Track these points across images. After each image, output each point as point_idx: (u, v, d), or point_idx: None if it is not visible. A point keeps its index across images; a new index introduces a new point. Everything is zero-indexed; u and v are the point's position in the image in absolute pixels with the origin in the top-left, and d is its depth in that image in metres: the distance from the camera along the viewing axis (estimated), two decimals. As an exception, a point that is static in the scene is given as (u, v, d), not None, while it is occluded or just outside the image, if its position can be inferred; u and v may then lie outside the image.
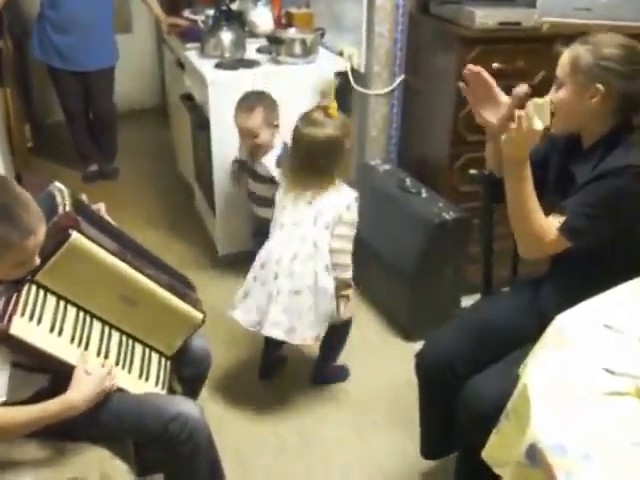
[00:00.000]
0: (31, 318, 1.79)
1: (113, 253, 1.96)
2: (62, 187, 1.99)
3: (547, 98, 1.98)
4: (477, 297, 3.28)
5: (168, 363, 2.18)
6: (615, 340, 1.66)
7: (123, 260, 1.98)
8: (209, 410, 2.27)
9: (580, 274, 2.10)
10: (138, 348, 2.11)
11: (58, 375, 1.87)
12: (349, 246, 2.63)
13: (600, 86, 1.94)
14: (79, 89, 4.73)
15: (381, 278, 3.37)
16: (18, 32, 5.21)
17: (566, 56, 2.00)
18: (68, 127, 4.97)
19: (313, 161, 2.56)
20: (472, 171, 2.43)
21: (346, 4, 3.72)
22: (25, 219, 1.67)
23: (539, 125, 1.85)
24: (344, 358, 3.07)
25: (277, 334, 2.65)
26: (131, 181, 5.03)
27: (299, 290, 2.60)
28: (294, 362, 3.13)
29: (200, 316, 2.18)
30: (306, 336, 2.65)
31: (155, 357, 2.15)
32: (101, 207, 2.24)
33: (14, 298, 1.78)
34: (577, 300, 1.79)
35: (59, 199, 1.93)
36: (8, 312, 1.74)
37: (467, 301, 3.23)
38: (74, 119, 4.87)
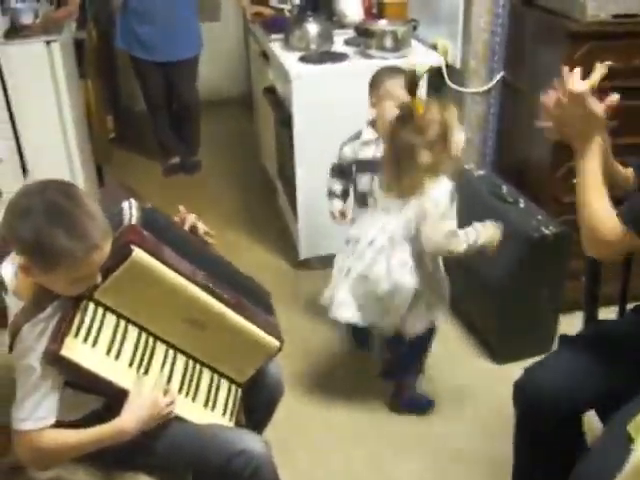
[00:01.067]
0: (85, 339, 1.66)
1: (181, 272, 1.77)
2: (133, 201, 1.81)
3: None
4: (577, 316, 3.04)
5: (239, 391, 1.99)
6: None
7: (192, 280, 1.79)
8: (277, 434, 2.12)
9: None
10: (206, 374, 1.93)
11: (113, 399, 1.73)
12: (445, 231, 2.37)
13: None
14: (161, 79, 4.64)
15: (471, 292, 3.12)
16: (104, 21, 5.14)
17: None
18: (150, 118, 4.89)
19: (399, 163, 2.36)
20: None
21: (442, -7, 3.46)
22: (90, 232, 1.53)
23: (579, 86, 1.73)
24: (427, 378, 2.87)
25: (345, 316, 2.51)
26: (213, 175, 4.90)
27: (367, 275, 2.44)
28: (371, 382, 2.91)
29: (277, 344, 1.97)
30: (374, 321, 2.51)
31: (224, 384, 1.97)
32: (190, 218, 2.06)
33: (69, 317, 1.64)
34: None
35: (127, 213, 1.77)
36: (61, 332, 1.61)
37: (565, 320, 2.99)
38: (156, 110, 4.79)
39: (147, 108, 4.85)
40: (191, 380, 1.88)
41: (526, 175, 3.19)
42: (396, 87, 2.63)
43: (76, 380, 1.69)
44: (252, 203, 4.47)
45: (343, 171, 2.94)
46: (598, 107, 1.78)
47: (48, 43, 3.49)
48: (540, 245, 2.77)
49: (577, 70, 1.80)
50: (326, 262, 3.58)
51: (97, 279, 1.63)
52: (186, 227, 2.04)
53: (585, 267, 2.21)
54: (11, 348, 1.62)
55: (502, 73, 3.28)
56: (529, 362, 2.91)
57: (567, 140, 1.78)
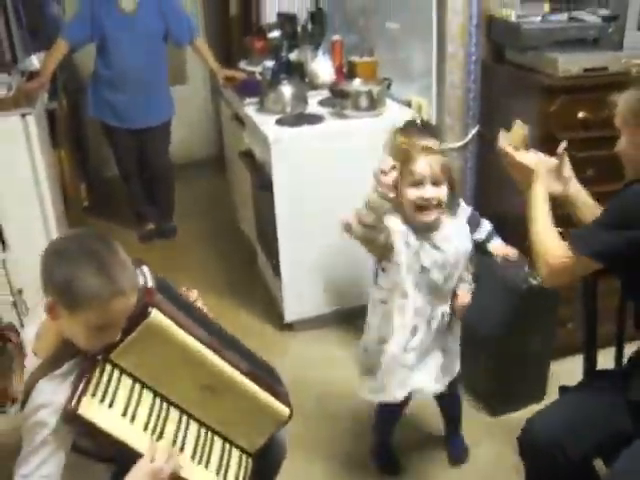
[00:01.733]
0: (102, 400, 1.66)
1: (196, 336, 1.78)
2: (146, 268, 1.83)
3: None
4: (567, 361, 3.07)
5: (249, 462, 1.97)
6: None
7: (207, 345, 1.80)
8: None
9: None
10: (217, 442, 1.91)
11: (125, 460, 1.69)
12: None
13: None
14: (134, 146, 4.63)
15: (463, 346, 3.13)
16: (73, 90, 5.17)
17: (620, 103, 1.97)
18: (124, 185, 4.87)
19: None
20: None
21: (413, 52, 3.53)
22: (120, 277, 1.59)
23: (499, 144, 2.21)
24: (427, 436, 2.84)
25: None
26: (190, 239, 4.88)
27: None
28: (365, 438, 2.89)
29: (287, 411, 1.97)
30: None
31: (235, 453, 1.95)
32: (193, 294, 2.07)
33: (86, 376, 1.64)
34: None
35: (141, 279, 1.77)
36: (78, 391, 1.61)
37: (556, 367, 3.06)
38: (130, 177, 4.77)
39: (120, 175, 4.82)
40: (203, 448, 1.86)
41: (508, 227, 3.22)
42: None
43: (91, 442, 1.68)
44: (232, 267, 4.45)
45: None
46: (528, 160, 2.16)
47: (23, 116, 3.48)
48: (528, 296, 2.79)
49: (501, 131, 2.24)
50: (312, 324, 3.61)
51: (117, 335, 1.65)
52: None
53: (580, 313, 2.26)
54: (23, 404, 1.62)
55: (477, 128, 3.34)
56: (525, 411, 2.94)
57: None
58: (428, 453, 2.84)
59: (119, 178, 4.91)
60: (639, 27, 2.86)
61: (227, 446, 1.93)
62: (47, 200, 3.63)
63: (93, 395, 1.63)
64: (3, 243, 3.50)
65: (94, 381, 1.65)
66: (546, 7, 2.97)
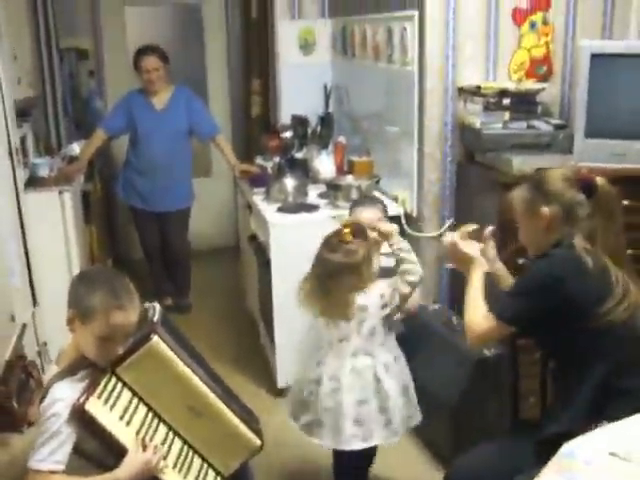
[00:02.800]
0: (106, 403, 2.05)
1: (188, 365, 2.21)
2: (156, 305, 2.32)
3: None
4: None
5: None
6: (622, 468, 1.73)
7: (197, 374, 2.23)
8: None
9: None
10: (196, 461, 2.28)
11: (114, 457, 2.06)
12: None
13: (545, 208, 2.23)
14: (157, 228, 5.13)
15: (425, 411, 3.43)
16: (107, 175, 5.76)
17: (514, 198, 2.38)
18: (146, 263, 5.35)
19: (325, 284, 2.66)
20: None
21: (401, 152, 3.98)
22: (122, 297, 2.03)
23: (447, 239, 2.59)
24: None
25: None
26: (203, 315, 5.29)
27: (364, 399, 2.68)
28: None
29: (259, 442, 2.37)
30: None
31: (211, 474, 2.31)
32: None
33: (96, 382, 2.06)
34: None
35: (151, 313, 2.24)
36: (88, 391, 2.01)
37: None
38: (151, 255, 5.26)
39: (143, 253, 5.32)
40: (183, 463, 2.23)
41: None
42: (362, 213, 3.09)
43: (90, 439, 2.03)
44: (237, 340, 4.85)
45: None
46: (471, 250, 2.50)
47: (61, 193, 4.07)
48: (482, 366, 3.13)
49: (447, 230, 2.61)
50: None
51: (118, 350, 2.06)
52: None
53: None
54: (42, 399, 2.02)
55: (452, 220, 3.74)
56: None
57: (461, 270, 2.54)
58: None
59: (143, 259, 5.41)
60: (586, 135, 3.27)
61: (205, 466, 2.30)
62: (75, 268, 4.12)
63: (99, 397, 2.03)
64: (35, 301, 3.95)
65: (101, 387, 2.06)
66: (506, 116, 3.43)
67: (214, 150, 5.84)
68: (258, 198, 4.21)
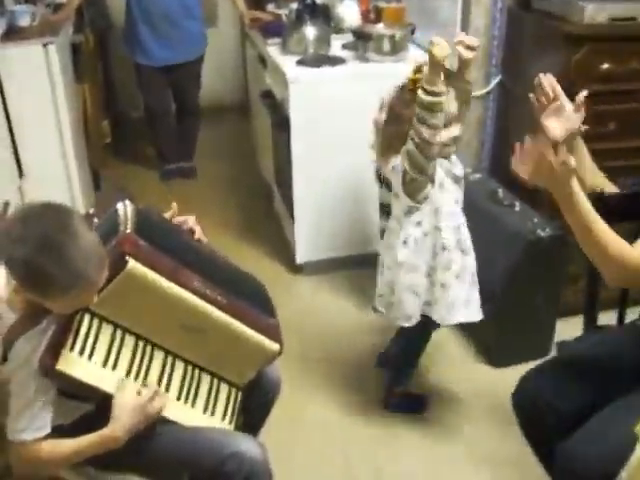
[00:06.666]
0: (81, 352, 1.67)
1: (177, 281, 1.76)
2: (128, 204, 1.79)
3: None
4: (575, 320, 3.03)
5: (239, 394, 1.98)
6: None
7: (189, 289, 1.78)
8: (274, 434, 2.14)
9: None
10: (205, 379, 1.93)
11: (109, 407, 1.72)
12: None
13: None
14: (165, 86, 4.62)
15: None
16: (101, 26, 5.14)
17: None
18: (149, 125, 4.85)
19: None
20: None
21: (440, -2, 3.46)
22: (82, 267, 1.52)
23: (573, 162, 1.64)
24: (423, 379, 2.86)
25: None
26: (209, 180, 4.88)
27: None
28: (367, 383, 2.90)
29: (276, 347, 1.95)
30: None
31: (224, 388, 1.96)
32: (189, 220, 2.03)
33: (64, 330, 1.64)
34: None
35: (122, 217, 1.75)
36: (56, 345, 1.62)
37: (563, 325, 2.98)
38: (157, 117, 4.75)
39: (146, 114, 4.80)
40: (190, 386, 1.88)
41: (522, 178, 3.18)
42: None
43: (73, 391, 1.71)
44: (248, 208, 4.45)
45: None
46: (569, 157, 1.68)
47: (45, 45, 3.48)
48: (536, 248, 2.76)
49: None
50: (324, 266, 3.60)
51: (92, 300, 1.63)
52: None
53: (584, 271, 2.20)
54: (4, 358, 1.62)
55: (499, 77, 3.29)
56: (526, 366, 2.91)
57: (545, 188, 1.74)
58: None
59: (143, 118, 4.91)
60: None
61: (215, 381, 1.94)
62: (66, 132, 3.67)
63: (71, 349, 1.64)
64: (21, 172, 3.53)
65: (72, 334, 1.65)
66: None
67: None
68: (273, 50, 3.73)
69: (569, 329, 3.00)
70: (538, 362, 2.94)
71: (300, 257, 3.64)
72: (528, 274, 2.82)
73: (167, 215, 2.01)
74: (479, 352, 3.08)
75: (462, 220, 2.45)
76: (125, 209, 1.77)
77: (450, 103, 2.25)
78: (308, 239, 3.58)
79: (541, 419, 1.95)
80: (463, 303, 2.47)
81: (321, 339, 3.16)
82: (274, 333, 1.97)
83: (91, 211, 1.87)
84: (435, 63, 2.10)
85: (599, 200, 1.86)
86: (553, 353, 3.00)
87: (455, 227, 2.41)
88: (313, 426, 2.72)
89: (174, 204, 2.03)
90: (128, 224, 1.72)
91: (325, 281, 3.57)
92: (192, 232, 2.02)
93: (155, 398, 1.74)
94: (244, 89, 6.06)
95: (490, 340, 3.02)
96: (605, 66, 2.77)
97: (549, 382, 1.96)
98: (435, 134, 2.16)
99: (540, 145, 1.70)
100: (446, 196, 2.38)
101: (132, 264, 1.66)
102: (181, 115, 4.84)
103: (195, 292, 1.79)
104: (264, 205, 4.39)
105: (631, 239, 1.74)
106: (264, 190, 4.50)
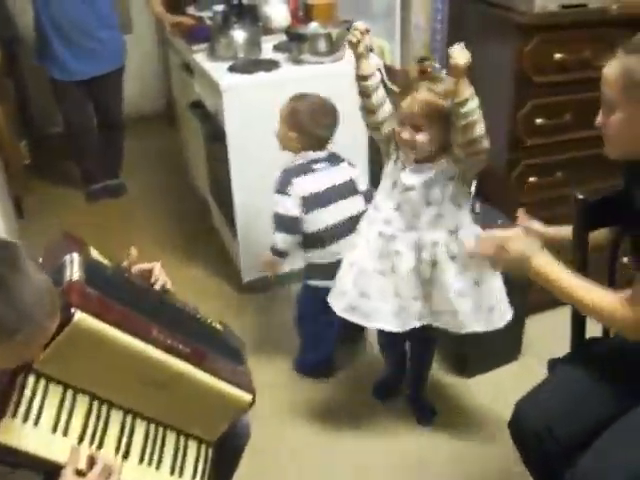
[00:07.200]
0: (25, 419, 1.43)
1: (133, 332, 1.54)
2: (75, 256, 1.57)
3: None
4: (542, 316, 2.92)
5: (209, 451, 1.77)
6: None
7: (147, 339, 1.56)
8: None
9: None
10: (170, 438, 1.70)
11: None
12: None
13: None
14: (84, 100, 4.31)
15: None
16: (7, 38, 4.75)
17: (614, 71, 1.58)
18: (71, 142, 4.50)
19: None
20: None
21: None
22: (31, 307, 1.28)
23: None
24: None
25: None
26: (140, 197, 4.60)
27: None
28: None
29: (248, 397, 1.75)
30: None
31: (192, 446, 1.74)
32: (155, 268, 1.84)
33: (4, 395, 1.41)
34: None
35: (68, 272, 1.53)
36: None
37: (533, 321, 2.95)
38: (79, 133, 4.42)
39: (68, 132, 4.46)
40: (153, 447, 1.66)
41: (481, 179, 3.04)
42: None
43: (17, 463, 1.45)
44: (185, 225, 4.19)
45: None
46: (518, 242, 1.82)
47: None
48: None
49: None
50: (274, 282, 3.38)
51: (37, 355, 1.40)
52: (153, 280, 1.82)
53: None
54: None
55: (445, 72, 3.11)
56: (498, 372, 2.79)
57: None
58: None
59: (65, 135, 4.56)
60: (620, -40, 2.64)
61: (182, 439, 1.73)
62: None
63: (14, 416, 1.41)
64: None
65: (14, 399, 1.42)
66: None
67: (134, 1, 5.03)
68: (200, 57, 3.50)
69: (538, 327, 2.93)
70: (509, 367, 2.84)
71: (247, 275, 3.42)
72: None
73: (125, 263, 1.81)
74: (449, 363, 2.92)
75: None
76: (72, 260, 1.56)
77: None
78: (254, 255, 3.34)
79: (541, 447, 1.80)
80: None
81: (281, 364, 2.98)
82: (245, 381, 1.77)
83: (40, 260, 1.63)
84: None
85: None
86: (524, 356, 2.89)
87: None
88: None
89: (133, 250, 1.82)
90: (75, 274, 1.51)
91: (276, 298, 3.37)
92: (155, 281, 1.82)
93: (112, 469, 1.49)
94: (166, 97, 5.79)
95: (460, 348, 2.87)
96: (558, 56, 2.65)
97: (546, 407, 1.81)
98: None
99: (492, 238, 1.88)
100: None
101: (80, 316, 1.44)
102: (104, 130, 4.52)
103: (153, 343, 1.57)
104: (200, 220, 4.16)
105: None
106: (199, 204, 4.27)
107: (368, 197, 2.56)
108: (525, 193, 2.83)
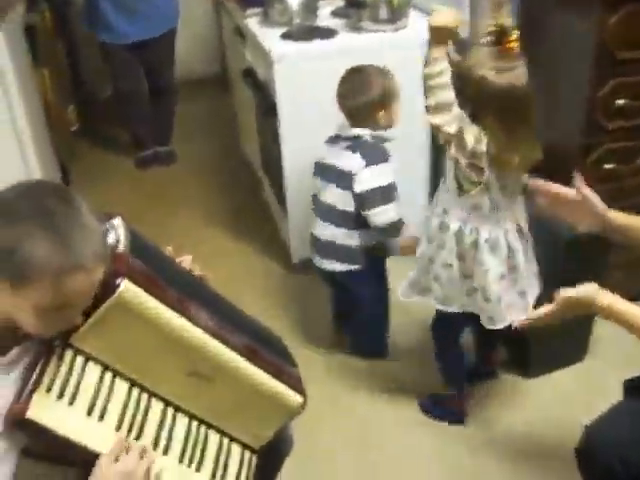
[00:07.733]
0: (61, 396, 1.31)
1: (181, 312, 1.41)
2: (119, 222, 1.44)
3: None
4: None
5: (253, 459, 1.63)
6: None
7: (197, 323, 1.43)
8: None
9: None
10: (213, 438, 1.57)
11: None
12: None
13: None
14: (135, 63, 4.17)
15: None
16: (58, 2, 4.65)
17: None
18: (121, 107, 4.42)
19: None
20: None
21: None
22: (80, 247, 1.20)
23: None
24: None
25: None
26: (190, 166, 4.46)
27: None
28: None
29: (300, 400, 1.62)
30: None
31: (236, 451, 1.61)
32: (185, 261, 1.69)
33: (39, 366, 1.29)
34: None
35: (112, 237, 1.39)
36: (28, 387, 1.27)
37: (601, 321, 2.59)
38: (129, 99, 4.31)
39: (117, 97, 4.37)
40: (195, 447, 1.53)
41: (551, 162, 2.79)
42: None
43: (47, 448, 1.33)
44: (235, 198, 4.04)
45: None
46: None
47: (-9, 29, 3.05)
48: (572, 248, 2.42)
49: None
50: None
51: (77, 320, 1.29)
52: None
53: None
54: None
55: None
56: (563, 372, 2.58)
57: None
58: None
59: (116, 100, 4.48)
60: None
61: (225, 442, 1.60)
62: (22, 123, 3.26)
63: (48, 390, 1.29)
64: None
65: (49, 372, 1.30)
66: None
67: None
68: (253, 22, 3.31)
69: (607, 327, 2.69)
70: (575, 367, 2.64)
71: (296, 255, 3.26)
72: (565, 277, 2.46)
73: None
74: (510, 363, 2.74)
75: None
76: (117, 225, 1.42)
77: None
78: (305, 235, 3.18)
79: (609, 472, 1.61)
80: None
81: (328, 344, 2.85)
82: (297, 384, 1.64)
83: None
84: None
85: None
86: (591, 356, 2.69)
87: None
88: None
89: (169, 249, 1.67)
90: (121, 243, 1.38)
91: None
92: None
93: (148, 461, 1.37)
94: (221, 60, 5.61)
95: (524, 347, 2.68)
96: (645, 31, 2.38)
97: (619, 434, 1.65)
98: None
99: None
100: None
101: (126, 285, 1.31)
102: (155, 95, 4.38)
103: (204, 328, 1.44)
104: (252, 193, 4.00)
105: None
106: (251, 176, 4.11)
107: None
108: (604, 181, 2.58)
